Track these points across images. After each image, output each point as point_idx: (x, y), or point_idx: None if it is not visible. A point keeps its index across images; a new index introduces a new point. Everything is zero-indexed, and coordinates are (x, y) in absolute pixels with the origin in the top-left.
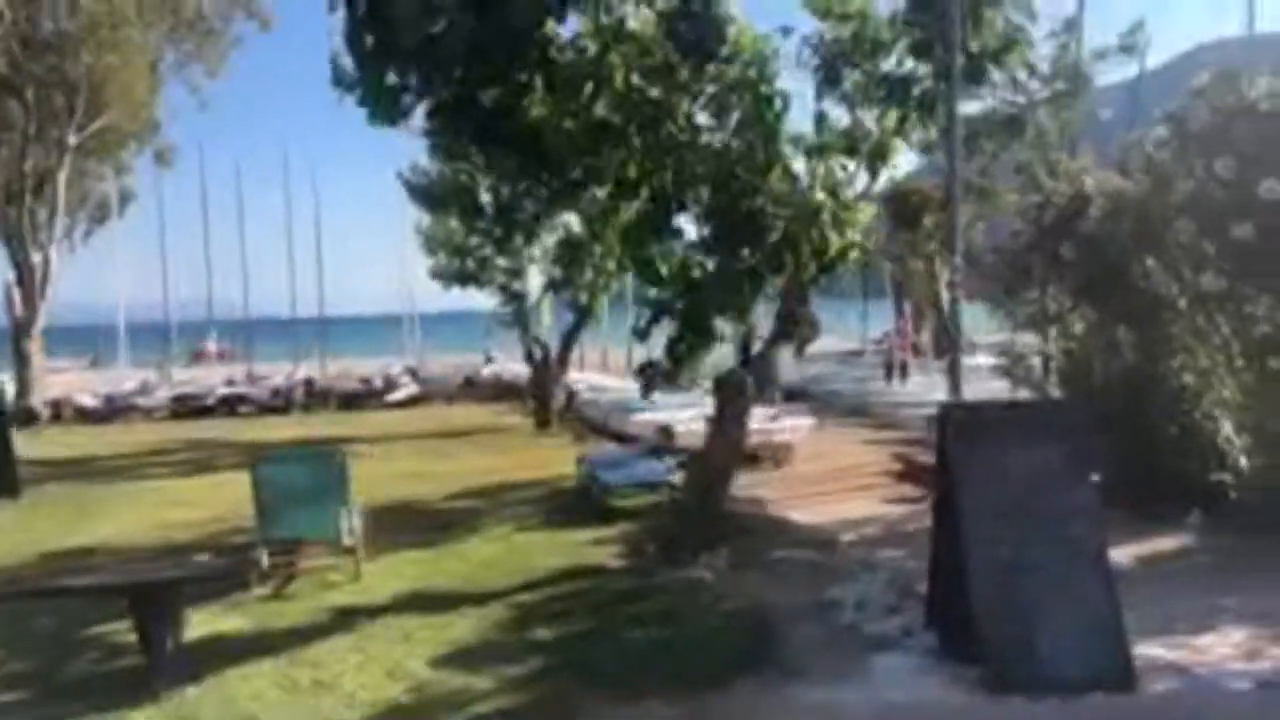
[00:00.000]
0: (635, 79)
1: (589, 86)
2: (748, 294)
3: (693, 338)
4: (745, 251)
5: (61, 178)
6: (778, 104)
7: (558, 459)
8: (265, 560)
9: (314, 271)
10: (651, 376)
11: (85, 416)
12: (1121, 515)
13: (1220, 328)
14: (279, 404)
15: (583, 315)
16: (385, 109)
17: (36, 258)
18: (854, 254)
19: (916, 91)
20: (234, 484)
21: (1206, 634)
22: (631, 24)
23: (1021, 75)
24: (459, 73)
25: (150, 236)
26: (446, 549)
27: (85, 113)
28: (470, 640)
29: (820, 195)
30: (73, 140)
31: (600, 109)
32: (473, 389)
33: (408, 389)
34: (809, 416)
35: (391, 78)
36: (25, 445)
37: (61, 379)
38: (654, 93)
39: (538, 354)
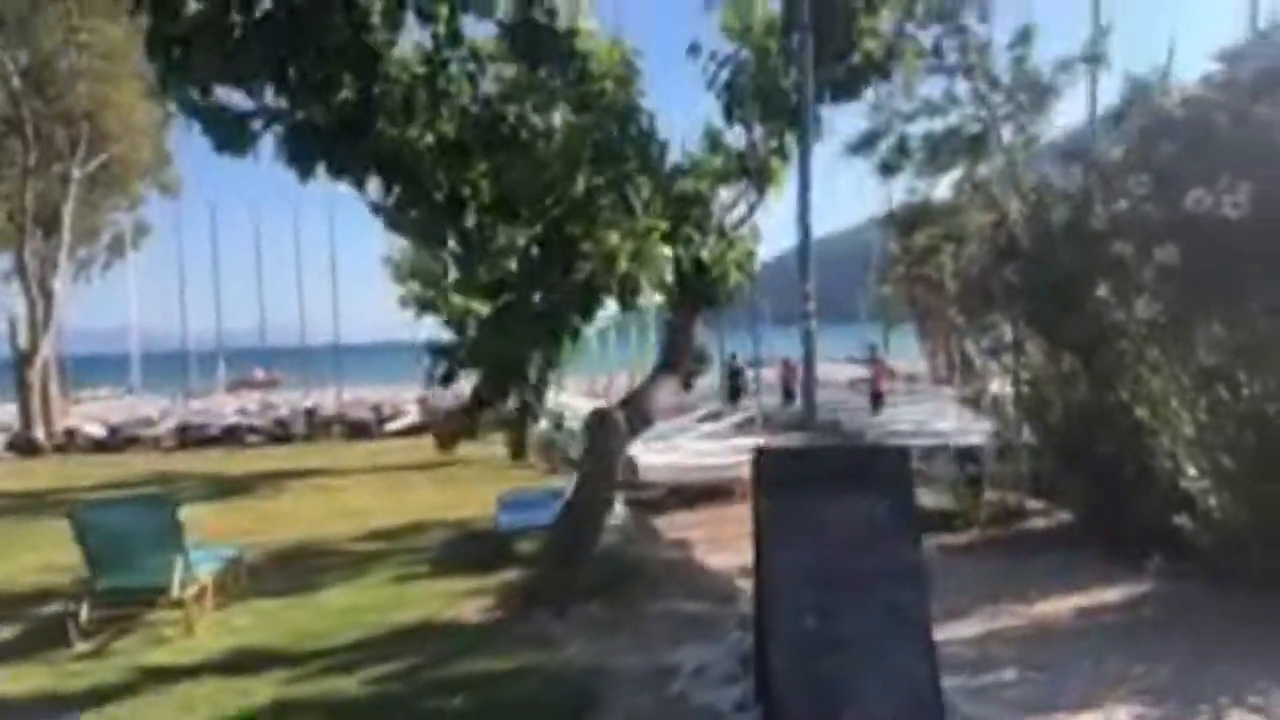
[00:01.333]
0: (482, 94)
1: (429, 102)
2: (548, 337)
3: (496, 381)
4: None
5: (67, 212)
6: (644, 122)
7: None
8: (84, 614)
9: (329, 297)
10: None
11: (98, 446)
12: (1087, 559)
13: (1169, 356)
14: (283, 434)
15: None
16: (229, 136)
17: (42, 290)
18: (734, 280)
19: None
20: None
21: (1086, 713)
22: (470, 35)
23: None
24: (285, 93)
25: (172, 266)
26: (305, 599)
27: (90, 146)
28: (261, 703)
29: (647, 223)
30: (77, 174)
31: (445, 127)
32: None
33: (410, 418)
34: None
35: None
36: None
37: (85, 409)
38: (509, 109)
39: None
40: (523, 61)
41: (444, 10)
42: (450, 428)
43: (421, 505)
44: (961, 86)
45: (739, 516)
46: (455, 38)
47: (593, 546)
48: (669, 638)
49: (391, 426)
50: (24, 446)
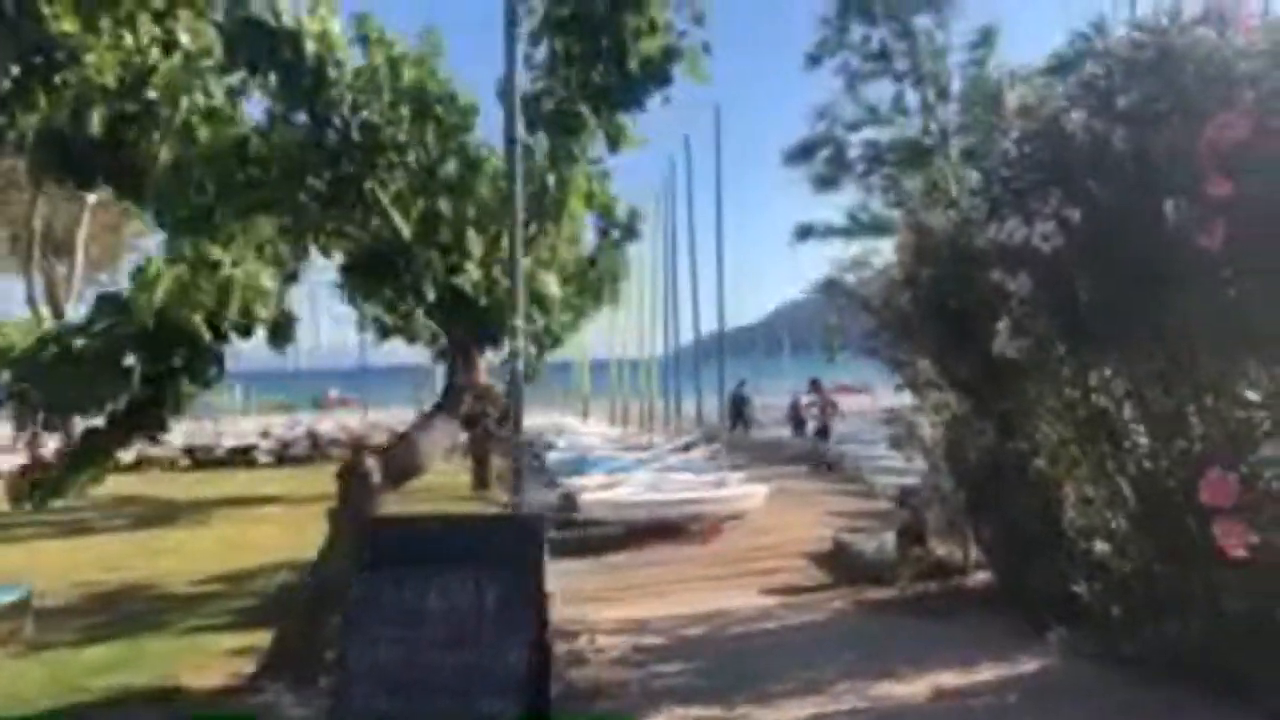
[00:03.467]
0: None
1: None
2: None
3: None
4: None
5: (81, 235)
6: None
7: None
8: None
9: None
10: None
11: (117, 467)
12: (1000, 626)
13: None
14: (285, 456)
15: (526, 373)
16: None
17: (56, 315)
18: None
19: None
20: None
21: None
22: (184, 39)
23: (931, 98)
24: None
25: None
26: (65, 653)
27: None
28: None
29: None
30: (92, 197)
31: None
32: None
33: None
34: (761, 484)
35: None
36: None
37: None
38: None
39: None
40: (241, 68)
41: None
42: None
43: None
44: (911, 95)
45: (682, 558)
46: (171, 39)
47: (327, 615)
48: None
49: None
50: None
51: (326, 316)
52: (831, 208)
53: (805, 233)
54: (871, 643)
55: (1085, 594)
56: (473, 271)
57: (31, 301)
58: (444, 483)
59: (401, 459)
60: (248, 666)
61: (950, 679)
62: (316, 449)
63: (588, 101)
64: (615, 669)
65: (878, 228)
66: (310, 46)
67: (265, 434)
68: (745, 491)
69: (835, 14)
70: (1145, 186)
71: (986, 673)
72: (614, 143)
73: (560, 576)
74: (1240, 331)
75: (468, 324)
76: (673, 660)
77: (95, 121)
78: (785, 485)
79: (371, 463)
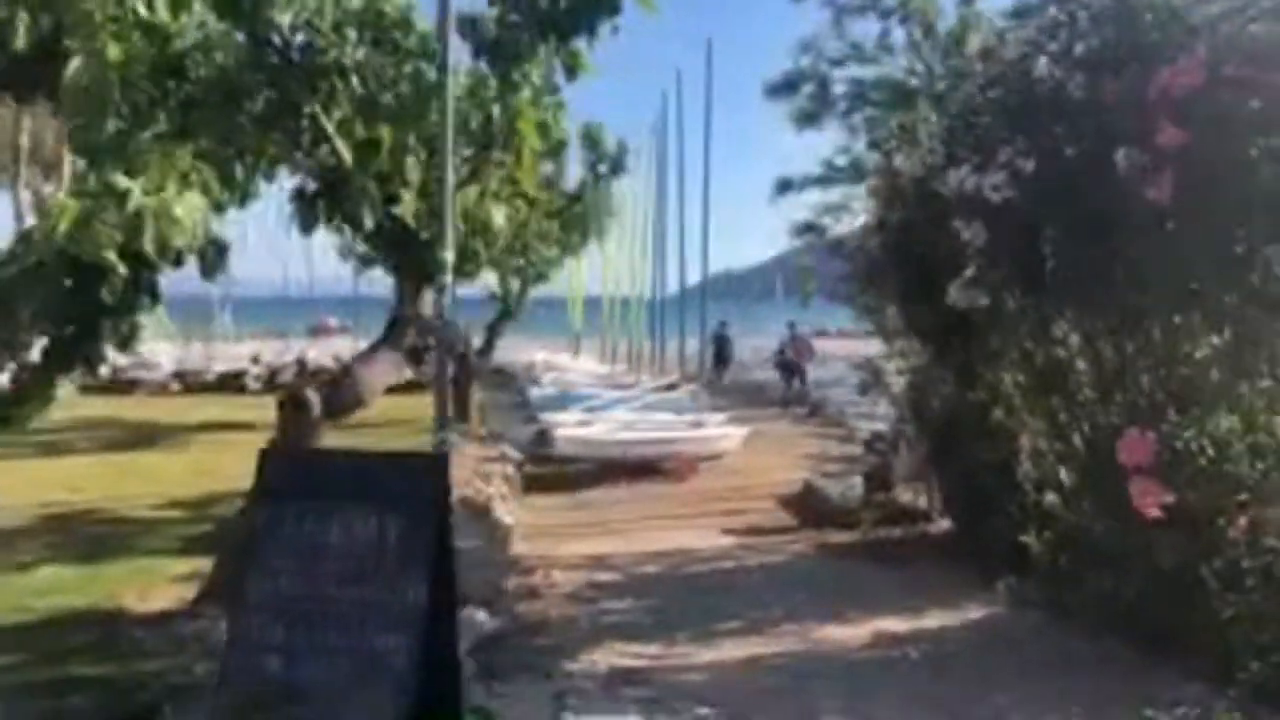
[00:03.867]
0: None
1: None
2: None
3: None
4: None
5: (67, 151)
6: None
7: None
8: None
9: None
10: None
11: (104, 389)
12: (955, 574)
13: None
14: (274, 382)
15: (508, 307)
16: None
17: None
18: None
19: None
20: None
21: None
22: None
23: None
24: None
25: None
26: (14, 575)
27: None
28: None
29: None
30: None
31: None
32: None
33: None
34: (739, 426)
35: None
36: None
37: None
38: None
39: (460, 346)
40: None
41: None
42: None
43: None
44: (899, 33)
45: (654, 496)
46: None
47: None
48: None
49: None
50: None
51: (319, 244)
52: (829, 146)
53: (785, 186)
54: (823, 586)
55: (1034, 545)
56: (410, 201)
57: (19, 219)
58: (421, 415)
59: (343, 392)
60: (191, 592)
61: (893, 624)
62: (304, 375)
63: (533, 28)
64: (566, 604)
65: (857, 172)
66: None
67: (255, 360)
68: (722, 432)
69: None
70: (1100, 135)
71: (930, 619)
72: (570, 71)
73: (531, 511)
74: (1185, 287)
75: (410, 256)
76: (625, 597)
77: (21, 33)
78: (766, 428)
79: (311, 394)
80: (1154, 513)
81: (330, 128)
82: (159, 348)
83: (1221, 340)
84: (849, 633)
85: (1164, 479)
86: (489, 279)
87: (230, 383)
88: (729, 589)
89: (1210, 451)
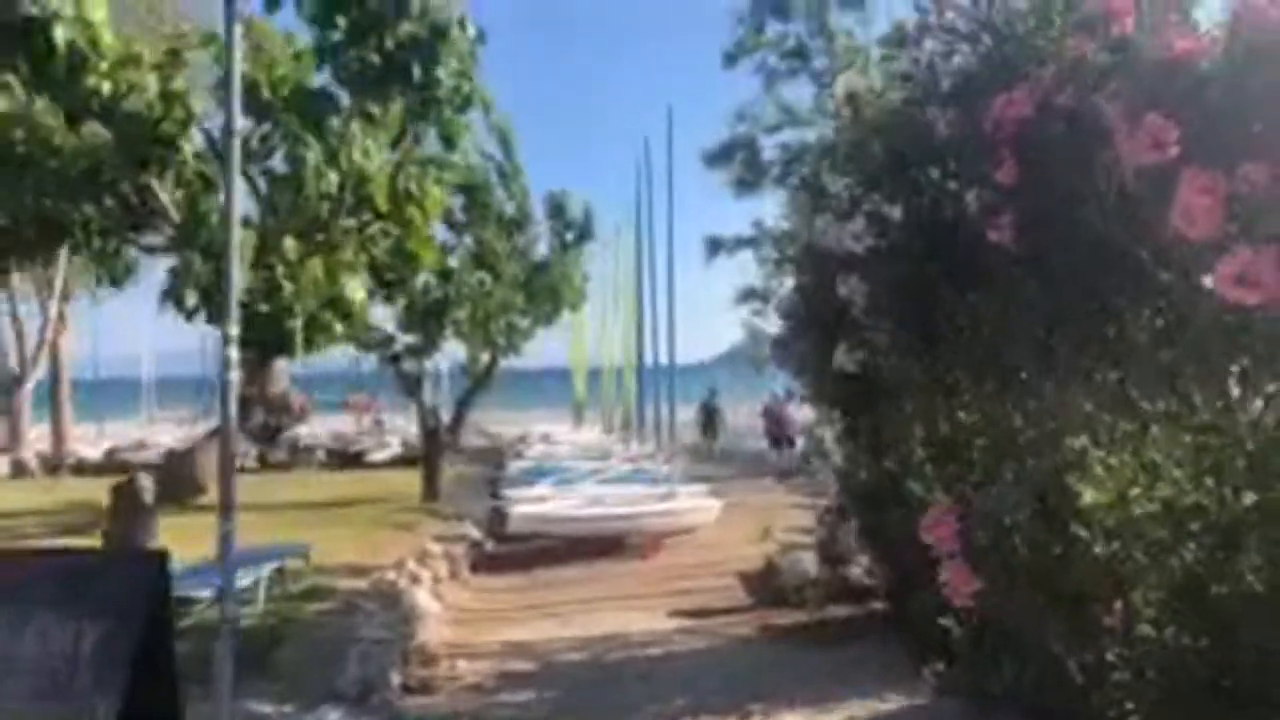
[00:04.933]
0: None
1: None
2: None
3: None
4: None
5: None
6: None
7: (380, 543)
8: None
9: None
10: None
11: (96, 469)
12: (889, 657)
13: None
14: (273, 460)
15: (477, 381)
16: None
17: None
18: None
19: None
20: None
21: None
22: None
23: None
24: None
25: None
26: None
27: None
28: None
29: None
30: None
31: None
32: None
33: (391, 449)
34: (712, 498)
35: None
36: None
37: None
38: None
39: (430, 422)
40: None
41: None
42: None
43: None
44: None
45: (609, 575)
46: None
47: None
48: None
49: (375, 457)
50: (12, 470)
51: None
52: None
53: (715, 246)
54: (745, 675)
55: (955, 629)
56: (237, 274)
57: (10, 299)
58: (396, 492)
59: (178, 477)
60: None
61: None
62: (295, 454)
63: (345, 84)
64: (460, 697)
65: (787, 234)
66: (62, 33)
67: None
68: (695, 505)
69: (750, 10)
70: (958, 175)
71: (842, 713)
72: (448, 141)
73: (475, 593)
74: (1040, 344)
75: (248, 331)
76: (529, 688)
77: None
78: (755, 499)
79: (144, 481)
80: (965, 601)
81: (165, 199)
82: None
83: (1083, 406)
84: None
85: (972, 562)
86: (457, 351)
87: None
88: (646, 678)
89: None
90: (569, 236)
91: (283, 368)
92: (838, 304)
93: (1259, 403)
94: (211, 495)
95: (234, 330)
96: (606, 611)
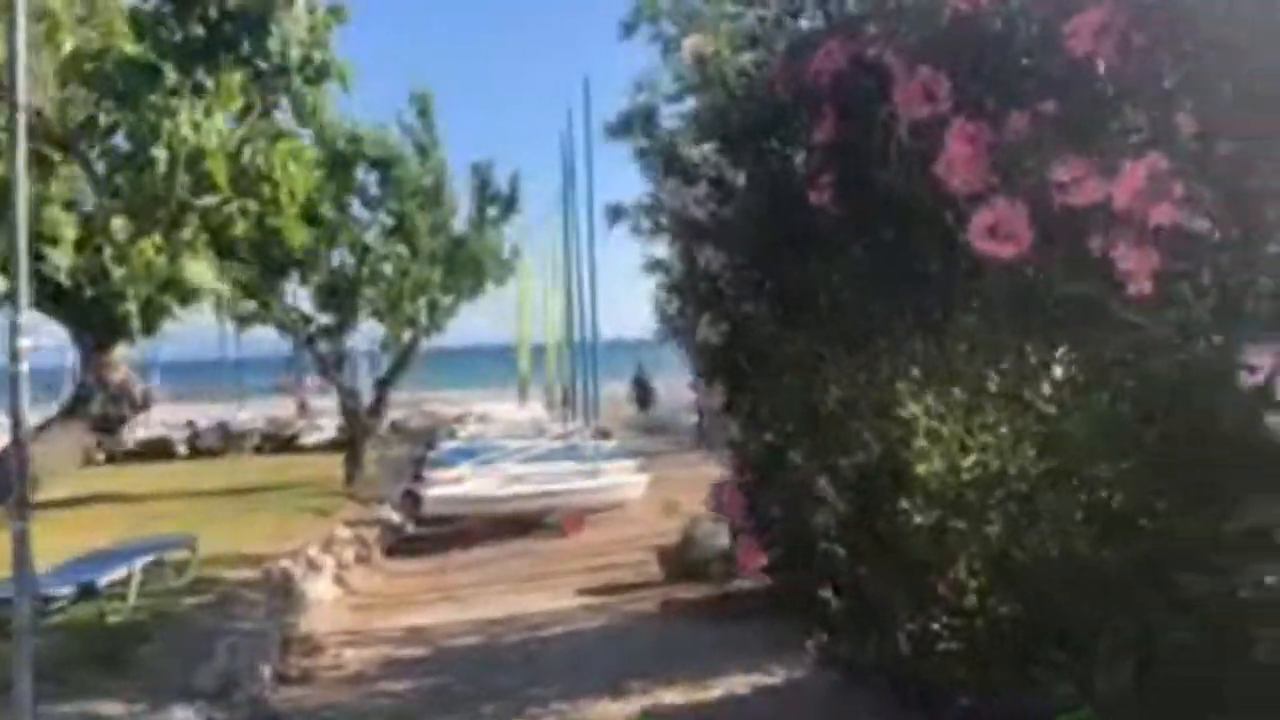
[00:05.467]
0: None
1: None
2: None
3: None
4: None
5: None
6: None
7: (294, 530)
8: None
9: None
10: None
11: None
12: (778, 633)
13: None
14: (204, 446)
15: (399, 361)
16: None
17: None
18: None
19: None
20: None
21: None
22: None
23: None
24: None
25: None
26: None
27: None
28: None
29: None
30: None
31: None
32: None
33: (325, 433)
34: (641, 474)
35: None
36: None
37: None
38: None
39: (350, 404)
40: None
41: None
42: None
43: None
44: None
45: (525, 553)
46: None
47: None
48: None
49: (307, 441)
50: None
51: None
52: None
53: (616, 214)
54: (633, 653)
55: (832, 600)
56: (60, 257)
57: None
58: (323, 476)
59: (9, 471)
60: None
61: (676, 695)
62: (228, 440)
63: (166, 57)
64: (338, 687)
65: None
66: None
67: (190, 424)
68: (620, 481)
69: None
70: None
71: (722, 687)
72: (301, 116)
73: (387, 577)
74: (868, 313)
75: (77, 316)
76: (412, 676)
77: None
78: (680, 472)
79: None
80: (757, 576)
81: None
82: None
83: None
84: (618, 709)
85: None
86: (376, 330)
87: (153, 451)
88: (533, 660)
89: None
90: (492, 210)
91: (123, 354)
92: (707, 275)
93: (1058, 370)
94: (49, 492)
95: (21, 318)
96: (514, 594)
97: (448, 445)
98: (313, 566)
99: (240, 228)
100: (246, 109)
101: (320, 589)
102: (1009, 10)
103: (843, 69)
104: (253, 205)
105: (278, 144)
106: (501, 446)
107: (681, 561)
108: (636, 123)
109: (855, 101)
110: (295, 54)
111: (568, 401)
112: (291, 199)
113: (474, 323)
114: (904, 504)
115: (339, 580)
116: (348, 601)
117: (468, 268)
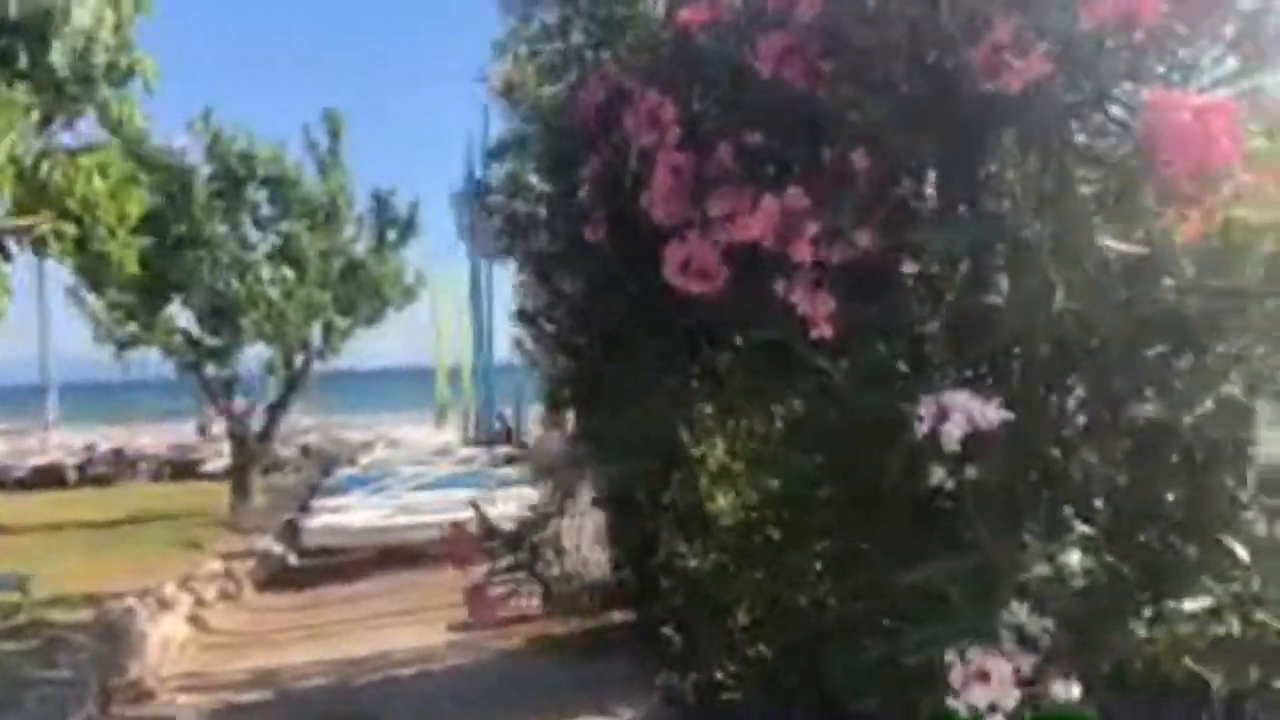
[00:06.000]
0: None
1: None
2: None
3: None
4: None
5: None
6: None
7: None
8: None
9: None
10: None
11: None
12: (636, 669)
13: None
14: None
15: (290, 384)
16: None
17: None
18: None
19: None
20: None
21: None
22: None
23: None
24: None
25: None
26: None
27: None
28: None
29: None
30: None
31: None
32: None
33: (226, 459)
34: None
35: None
36: None
37: None
38: None
39: (238, 430)
40: None
41: None
42: None
43: None
44: None
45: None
46: None
47: None
48: None
49: (209, 468)
50: None
51: None
52: None
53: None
54: (485, 694)
55: (672, 636)
56: None
57: None
58: (208, 505)
59: None
60: None
61: None
62: (119, 466)
63: None
64: None
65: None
66: None
67: (88, 449)
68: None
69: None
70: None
71: None
72: (115, 124)
73: (252, 613)
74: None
75: None
76: None
77: None
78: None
79: None
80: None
81: None
82: None
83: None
84: None
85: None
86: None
87: (47, 478)
88: (384, 703)
89: None
90: (391, 235)
91: None
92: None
93: (797, 402)
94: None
95: None
96: (382, 630)
97: (343, 472)
98: (164, 605)
99: (54, 249)
100: (45, 121)
101: (168, 629)
102: (719, 29)
103: (601, 101)
104: (69, 228)
105: (78, 158)
106: (398, 473)
107: (565, 593)
108: (512, 148)
109: (613, 133)
110: (101, 59)
111: (480, 427)
112: (120, 221)
113: (388, 345)
114: (682, 547)
115: (194, 619)
116: (200, 641)
117: (368, 291)
